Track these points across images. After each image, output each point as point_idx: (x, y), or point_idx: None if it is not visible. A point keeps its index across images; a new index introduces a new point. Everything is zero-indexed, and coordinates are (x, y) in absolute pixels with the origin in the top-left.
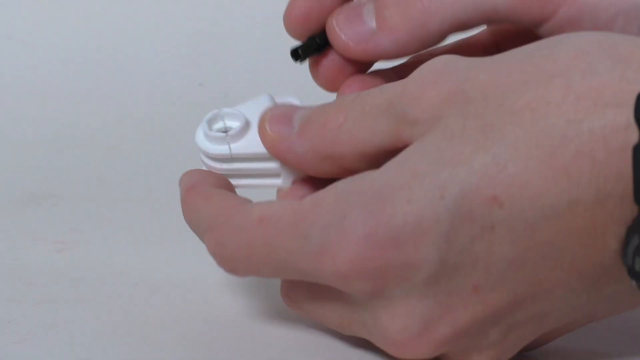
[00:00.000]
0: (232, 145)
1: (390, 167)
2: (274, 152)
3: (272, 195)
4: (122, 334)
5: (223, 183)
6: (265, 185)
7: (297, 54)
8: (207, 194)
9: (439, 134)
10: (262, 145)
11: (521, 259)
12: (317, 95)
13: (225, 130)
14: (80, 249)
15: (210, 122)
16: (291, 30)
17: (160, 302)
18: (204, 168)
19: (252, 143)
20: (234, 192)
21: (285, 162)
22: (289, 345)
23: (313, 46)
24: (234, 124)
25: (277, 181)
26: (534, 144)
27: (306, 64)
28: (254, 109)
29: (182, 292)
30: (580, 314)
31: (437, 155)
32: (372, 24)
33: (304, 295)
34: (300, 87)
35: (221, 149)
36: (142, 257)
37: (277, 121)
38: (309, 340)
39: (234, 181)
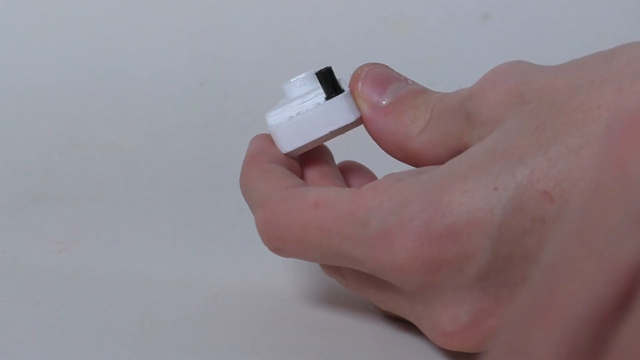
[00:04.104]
0: (270, 114)
1: (452, 161)
2: (360, 109)
3: None
4: (122, 334)
5: (286, 159)
6: None
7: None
8: (267, 168)
9: (497, 133)
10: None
11: None
12: None
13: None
14: (80, 249)
15: (307, 78)
16: None
17: (160, 302)
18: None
19: (290, 133)
20: (297, 172)
21: (364, 125)
22: (289, 347)
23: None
24: (305, 104)
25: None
26: (585, 143)
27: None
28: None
29: (182, 293)
30: None
31: (493, 148)
32: None
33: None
34: None
35: (278, 107)
36: (143, 257)
37: (371, 84)
38: (309, 342)
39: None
